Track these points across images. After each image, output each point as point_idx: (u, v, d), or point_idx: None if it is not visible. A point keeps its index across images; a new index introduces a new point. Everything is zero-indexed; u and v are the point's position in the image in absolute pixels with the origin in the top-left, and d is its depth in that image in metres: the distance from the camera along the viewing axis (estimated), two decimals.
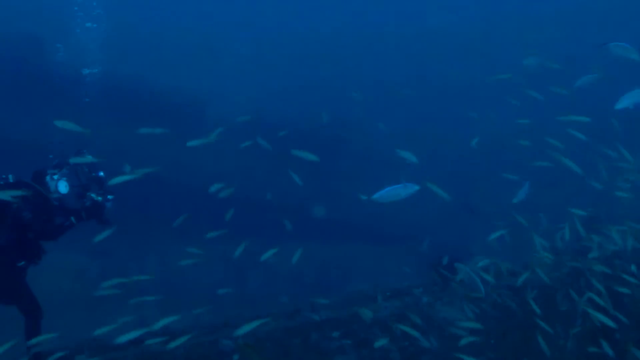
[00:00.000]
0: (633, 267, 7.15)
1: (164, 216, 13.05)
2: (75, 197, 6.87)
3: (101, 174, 6.96)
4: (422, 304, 6.83)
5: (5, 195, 5.80)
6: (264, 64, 20.70)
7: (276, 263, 12.81)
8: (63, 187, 6.72)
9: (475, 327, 6.12)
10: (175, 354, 6.09)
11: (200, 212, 13.64)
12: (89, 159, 6.78)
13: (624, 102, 6.84)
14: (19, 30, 14.03)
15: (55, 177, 6.76)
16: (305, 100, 18.85)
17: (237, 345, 5.28)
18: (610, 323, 6.04)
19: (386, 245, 14.92)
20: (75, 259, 10.34)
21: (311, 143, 16.00)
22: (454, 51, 23.55)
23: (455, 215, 15.03)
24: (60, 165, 6.87)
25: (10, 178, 6.52)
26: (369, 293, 6.99)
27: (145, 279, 11.14)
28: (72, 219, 6.60)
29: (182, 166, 14.29)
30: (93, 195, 6.80)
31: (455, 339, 6.29)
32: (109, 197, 6.88)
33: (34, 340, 6.31)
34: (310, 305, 6.57)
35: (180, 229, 12.81)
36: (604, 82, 7.68)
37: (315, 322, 6.26)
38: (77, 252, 10.61)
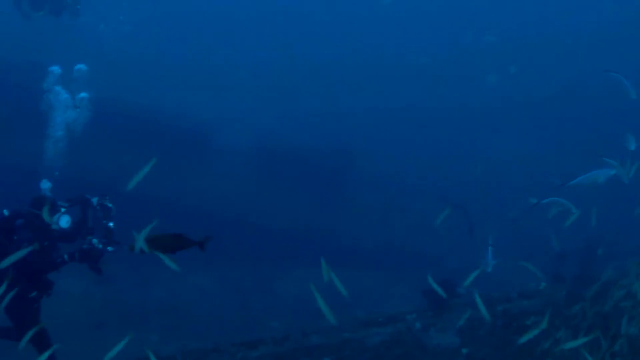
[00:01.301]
0: None
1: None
2: (75, 235, 6.84)
3: (111, 224, 6.84)
4: (415, 330, 6.81)
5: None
6: (272, 90, 20.95)
7: (281, 288, 12.99)
8: (64, 221, 6.69)
9: None
10: None
11: (206, 237, 13.75)
12: (109, 205, 6.86)
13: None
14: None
15: (63, 209, 6.85)
16: (315, 125, 19.01)
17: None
18: None
19: (394, 271, 14.84)
20: (78, 285, 10.46)
21: (320, 169, 16.24)
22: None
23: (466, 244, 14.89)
24: (75, 200, 6.91)
25: (5, 212, 6.59)
26: (363, 319, 6.99)
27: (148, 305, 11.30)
28: (65, 256, 6.55)
29: (188, 191, 14.43)
30: (94, 240, 6.68)
31: None
32: (109, 248, 6.74)
33: None
34: (300, 332, 6.58)
35: (185, 254, 12.97)
36: None
37: (305, 348, 6.27)
38: (81, 277, 10.73)
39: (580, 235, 9.26)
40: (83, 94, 7.44)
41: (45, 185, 7.03)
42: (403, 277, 14.21)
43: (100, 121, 13.27)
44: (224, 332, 8.43)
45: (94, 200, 6.92)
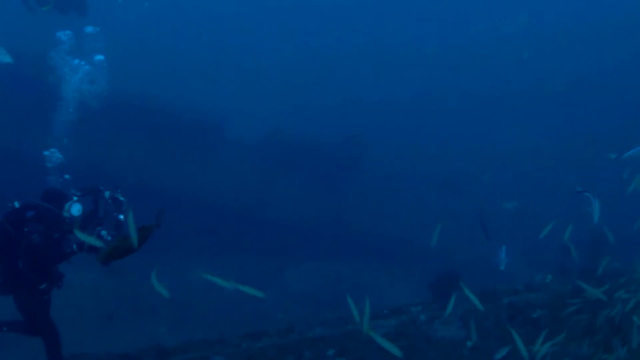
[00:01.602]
0: None
1: (180, 234, 13.32)
2: (84, 223, 6.86)
3: (121, 217, 6.89)
4: (420, 322, 6.82)
5: None
6: (282, 82, 20.97)
7: (289, 281, 13.03)
8: (76, 209, 6.74)
9: None
10: None
11: (217, 229, 13.85)
12: (120, 198, 6.90)
13: None
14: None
15: (75, 198, 6.92)
16: (324, 117, 19.03)
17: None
18: None
19: (403, 264, 14.83)
20: (89, 276, 10.56)
21: (328, 160, 16.24)
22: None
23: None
24: (87, 190, 6.99)
25: (17, 204, 6.67)
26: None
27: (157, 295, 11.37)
28: (74, 246, 6.62)
29: (198, 184, 14.49)
30: (103, 232, 6.76)
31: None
32: None
33: None
34: (305, 323, 6.61)
35: (196, 247, 13.05)
36: None
37: (309, 339, 6.30)
38: (91, 269, 10.88)
39: (588, 228, 9.22)
40: (99, 57, 7.30)
41: (51, 160, 7.02)
42: (412, 270, 14.22)
43: (110, 111, 13.39)
44: (231, 323, 8.48)
45: (107, 193, 6.97)
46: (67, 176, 6.99)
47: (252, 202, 15.00)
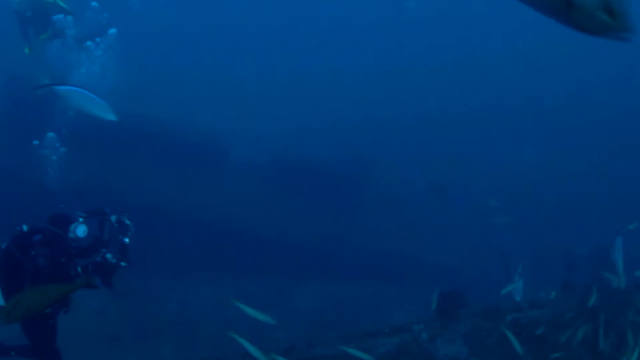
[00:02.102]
0: None
1: (185, 256, 13.37)
2: (90, 246, 6.89)
3: (126, 240, 6.92)
4: (422, 340, 6.79)
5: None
6: (285, 102, 21.07)
7: (294, 301, 13.00)
8: (81, 231, 6.76)
9: None
10: None
11: (221, 251, 13.87)
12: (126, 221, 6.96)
13: None
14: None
15: (81, 219, 6.98)
16: (327, 138, 19.07)
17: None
18: None
19: (410, 283, 14.76)
20: (94, 299, 10.56)
21: (332, 180, 16.27)
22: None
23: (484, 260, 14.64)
24: (93, 212, 7.03)
25: (25, 227, 6.70)
26: (369, 330, 6.99)
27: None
28: (79, 269, 6.65)
29: (203, 206, 14.55)
30: (108, 255, 6.75)
31: None
32: (123, 263, 6.79)
33: None
34: (306, 342, 6.60)
35: (200, 268, 13.08)
36: None
37: (310, 359, 6.28)
38: (97, 292, 10.91)
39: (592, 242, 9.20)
40: (112, 30, 7.26)
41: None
42: (417, 288, 14.15)
43: (113, 133, 13.46)
44: (233, 343, 8.46)
45: (113, 217, 7.02)
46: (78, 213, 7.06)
47: (257, 222, 15.03)
